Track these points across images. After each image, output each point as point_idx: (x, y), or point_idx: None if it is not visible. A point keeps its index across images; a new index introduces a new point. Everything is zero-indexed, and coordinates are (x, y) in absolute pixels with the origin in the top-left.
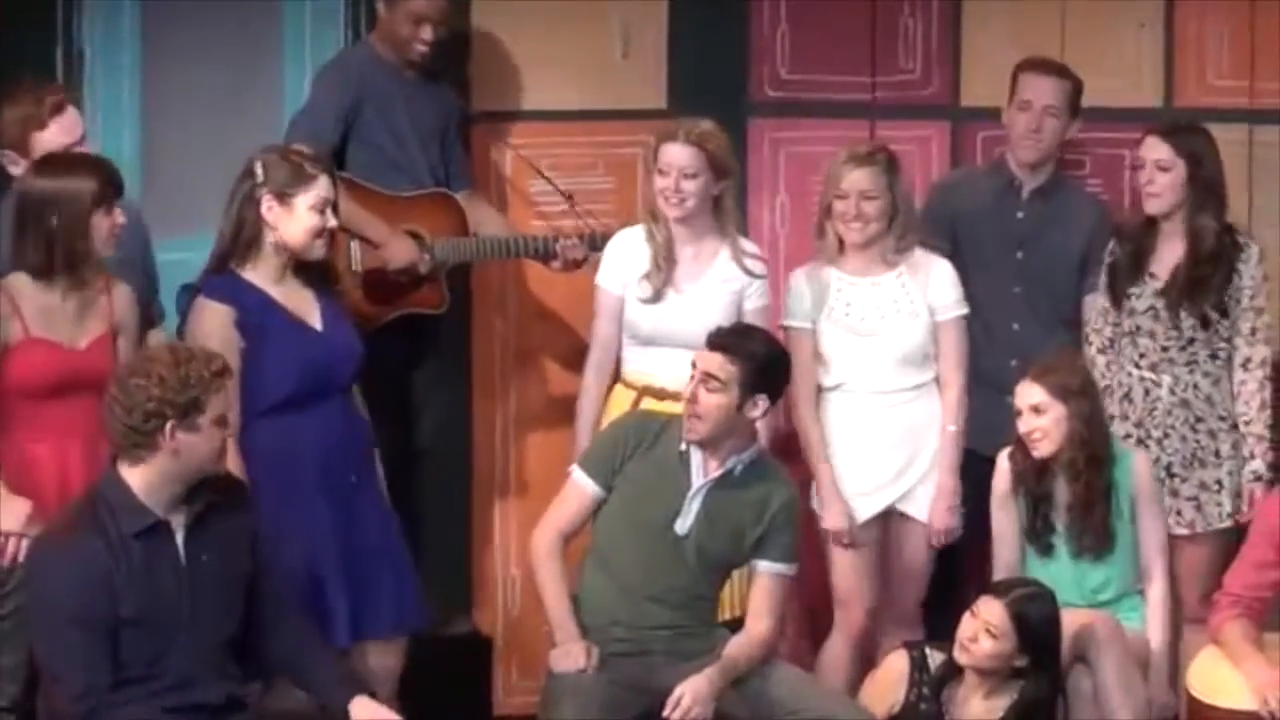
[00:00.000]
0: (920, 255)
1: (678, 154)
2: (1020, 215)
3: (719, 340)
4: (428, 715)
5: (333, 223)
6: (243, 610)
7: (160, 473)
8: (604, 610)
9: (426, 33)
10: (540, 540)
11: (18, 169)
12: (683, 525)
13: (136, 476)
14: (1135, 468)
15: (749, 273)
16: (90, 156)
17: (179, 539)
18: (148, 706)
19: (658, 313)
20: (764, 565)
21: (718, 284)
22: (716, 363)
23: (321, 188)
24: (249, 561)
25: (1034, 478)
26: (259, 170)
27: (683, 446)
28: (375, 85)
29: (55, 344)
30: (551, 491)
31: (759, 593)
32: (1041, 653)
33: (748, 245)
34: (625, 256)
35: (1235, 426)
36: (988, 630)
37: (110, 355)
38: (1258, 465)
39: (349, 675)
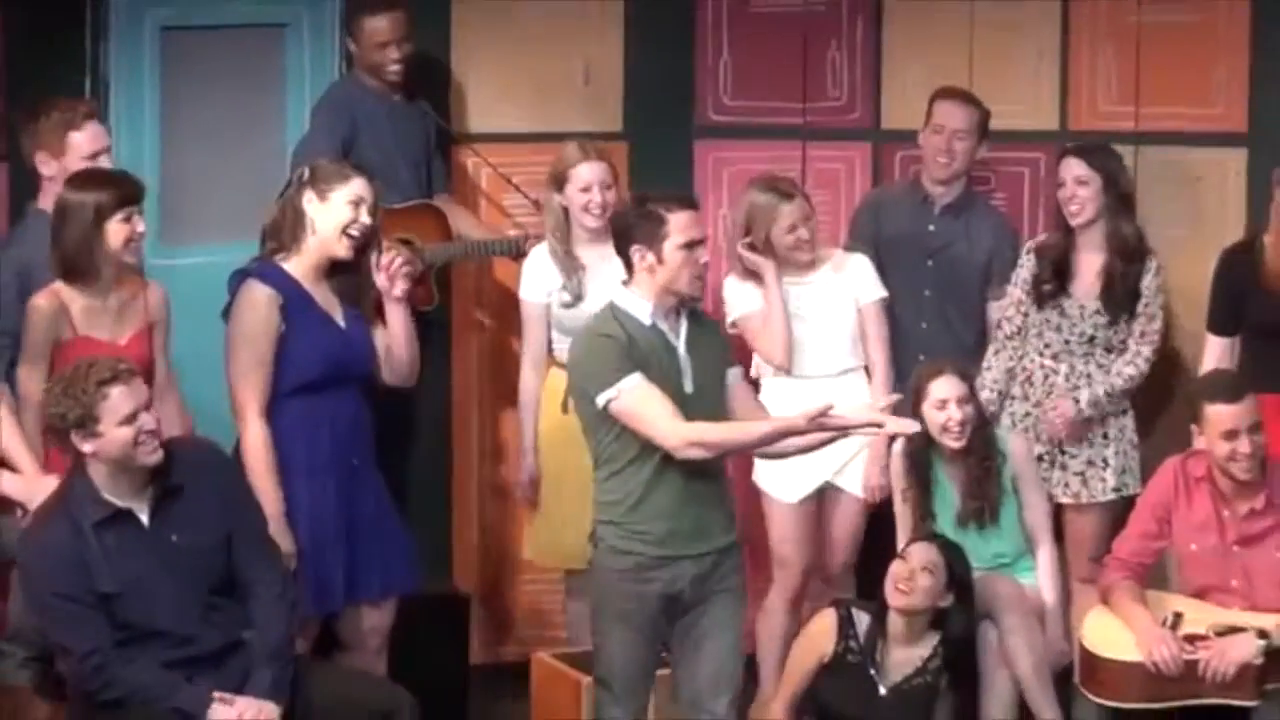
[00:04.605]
0: (840, 253)
1: (599, 170)
2: (932, 228)
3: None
4: (411, 665)
5: (367, 219)
6: (226, 559)
7: (101, 470)
8: (662, 518)
9: (393, 52)
10: (678, 434)
11: (49, 170)
12: (689, 384)
13: (93, 471)
14: (1013, 449)
15: None
16: (108, 172)
17: (145, 522)
18: (152, 667)
19: (580, 311)
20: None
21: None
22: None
23: (358, 186)
24: (224, 520)
25: (921, 469)
26: (306, 171)
27: (647, 321)
28: (365, 113)
29: (100, 341)
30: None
31: (745, 396)
32: (964, 588)
33: None
34: (541, 270)
35: (1124, 412)
36: (925, 569)
37: (149, 349)
38: (1081, 393)
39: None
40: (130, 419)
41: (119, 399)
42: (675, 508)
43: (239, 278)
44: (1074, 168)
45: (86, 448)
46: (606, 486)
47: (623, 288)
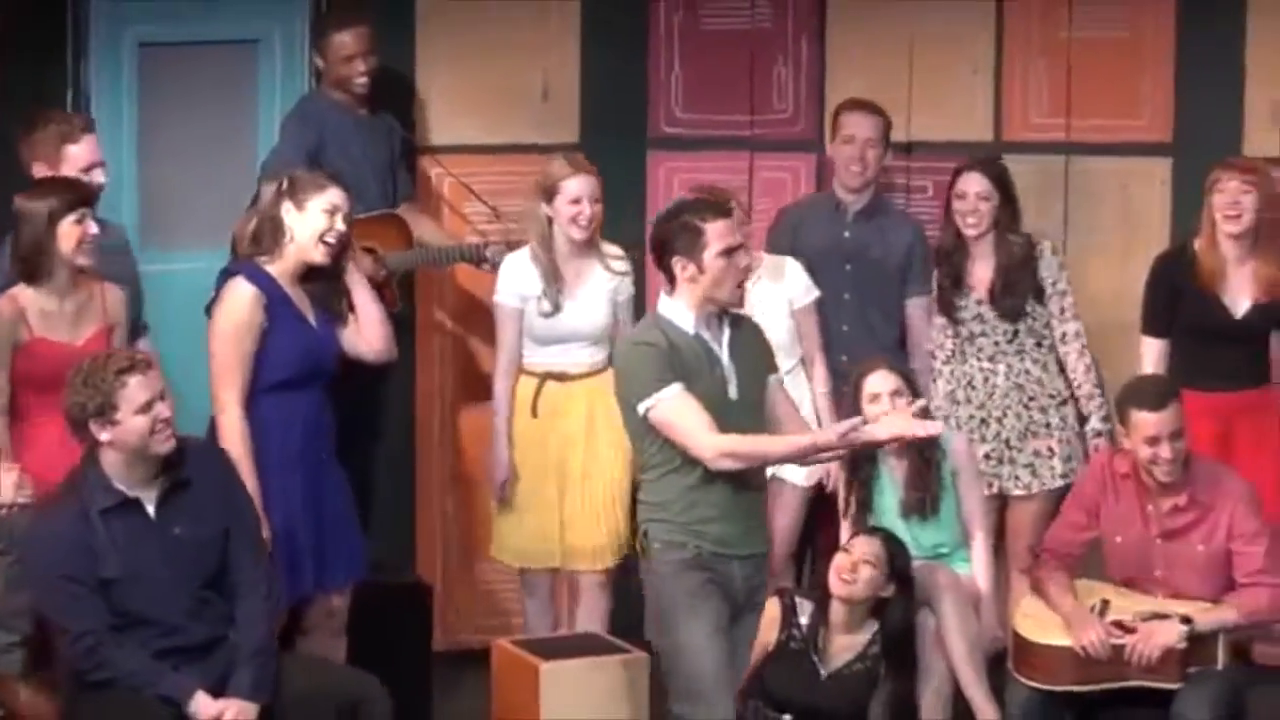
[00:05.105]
0: (771, 258)
1: (589, 184)
2: (847, 234)
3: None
4: (377, 653)
5: (341, 227)
6: (221, 555)
7: (114, 458)
8: (708, 510)
9: (360, 65)
10: (712, 446)
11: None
12: (733, 390)
13: (105, 459)
14: (954, 446)
15: (618, 273)
16: (62, 178)
17: (150, 512)
18: (141, 653)
19: (556, 320)
20: (773, 378)
21: (597, 287)
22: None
23: (333, 195)
24: (224, 517)
25: (864, 463)
26: (284, 181)
27: (690, 330)
28: (332, 126)
29: (58, 342)
30: (483, 460)
31: (783, 401)
32: (904, 580)
33: (610, 249)
34: (519, 275)
35: (1064, 402)
36: (867, 561)
37: (105, 349)
38: (1095, 423)
39: (241, 665)
40: (147, 407)
41: (136, 388)
42: (725, 510)
43: (225, 276)
44: (976, 183)
45: (104, 436)
46: (656, 487)
47: (665, 298)
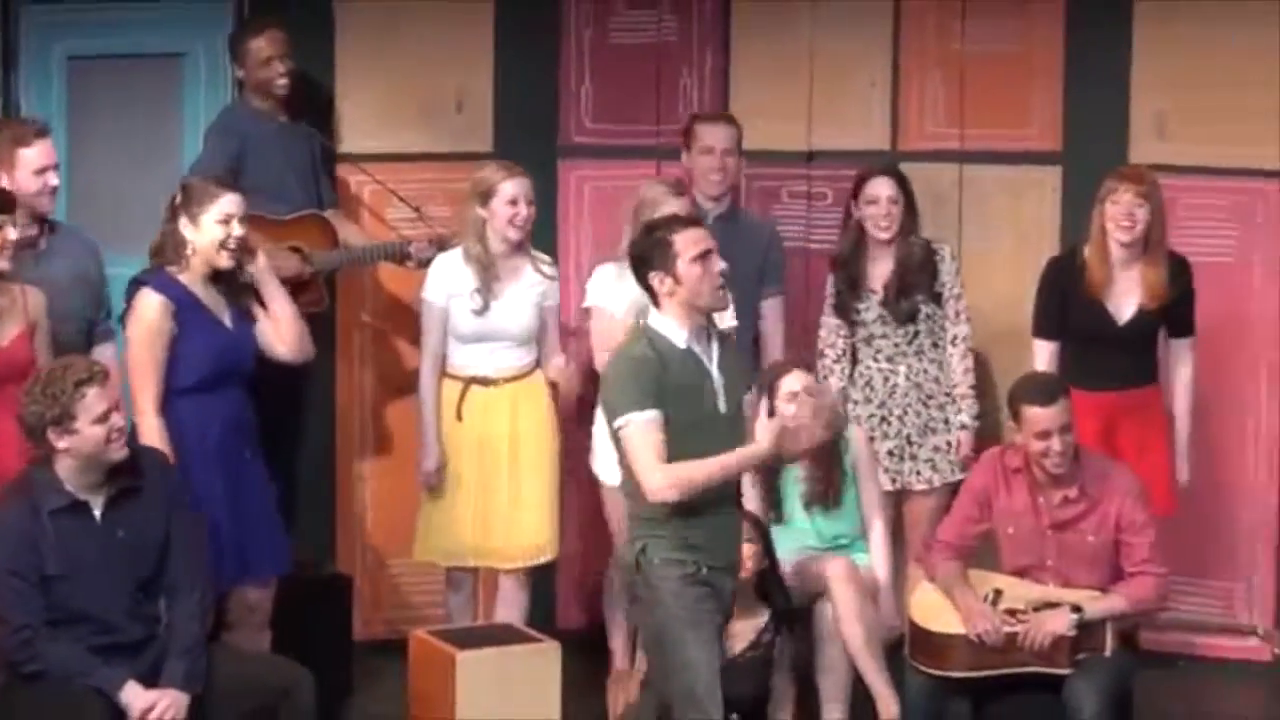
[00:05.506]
0: None
1: (524, 186)
2: None
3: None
4: (299, 642)
5: (238, 232)
6: (160, 559)
7: (67, 465)
8: (694, 533)
9: (279, 67)
10: (661, 482)
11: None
12: (723, 404)
13: (59, 464)
14: (854, 437)
15: (547, 277)
16: None
17: (97, 516)
18: (75, 646)
19: (484, 319)
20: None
21: (526, 289)
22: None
23: (225, 203)
24: (164, 525)
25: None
26: (179, 196)
27: (682, 345)
28: (253, 134)
29: None
30: (402, 457)
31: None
32: (770, 552)
33: (540, 255)
34: (447, 274)
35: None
36: (748, 540)
37: (28, 350)
38: (963, 417)
39: (177, 656)
40: (104, 418)
41: (94, 399)
42: (712, 521)
43: (134, 286)
44: (886, 187)
45: (61, 444)
46: (646, 505)
47: (655, 313)
